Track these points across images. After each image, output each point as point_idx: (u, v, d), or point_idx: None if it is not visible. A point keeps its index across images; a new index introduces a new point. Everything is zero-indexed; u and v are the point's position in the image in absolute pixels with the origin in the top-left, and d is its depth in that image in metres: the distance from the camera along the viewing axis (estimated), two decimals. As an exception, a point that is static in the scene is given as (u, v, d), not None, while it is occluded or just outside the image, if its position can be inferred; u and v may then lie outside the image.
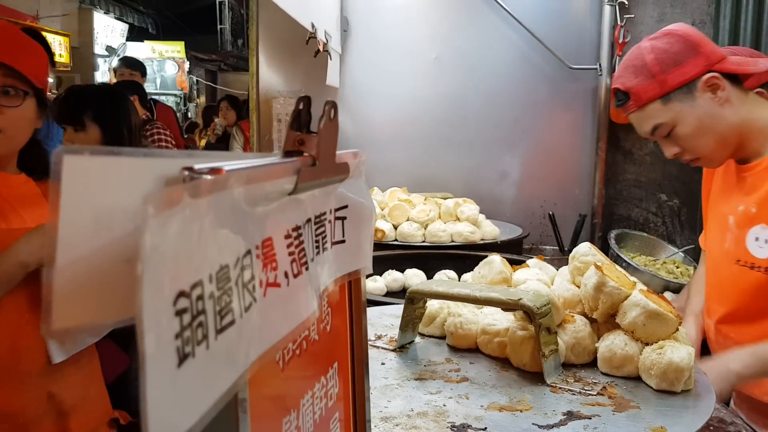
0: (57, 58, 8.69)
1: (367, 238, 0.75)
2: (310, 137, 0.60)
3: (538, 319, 1.17)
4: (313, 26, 2.31)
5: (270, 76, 3.39)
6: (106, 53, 10.40)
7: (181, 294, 0.37)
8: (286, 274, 0.54)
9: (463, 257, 2.37)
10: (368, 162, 0.75)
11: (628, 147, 3.24)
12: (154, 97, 5.17)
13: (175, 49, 12.26)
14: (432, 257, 2.39)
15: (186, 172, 0.42)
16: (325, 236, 0.66)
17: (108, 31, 10.66)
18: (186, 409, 0.37)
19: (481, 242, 2.50)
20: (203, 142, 7.13)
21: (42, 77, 1.44)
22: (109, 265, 0.42)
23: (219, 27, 12.08)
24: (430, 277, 2.25)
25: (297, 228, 0.57)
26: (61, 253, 0.39)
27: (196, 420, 0.38)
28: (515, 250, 2.63)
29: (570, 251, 2.74)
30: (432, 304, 1.41)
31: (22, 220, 1.44)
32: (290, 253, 0.56)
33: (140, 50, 11.69)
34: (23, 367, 1.42)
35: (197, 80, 13.96)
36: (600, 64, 3.05)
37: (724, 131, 1.62)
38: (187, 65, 12.69)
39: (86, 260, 0.41)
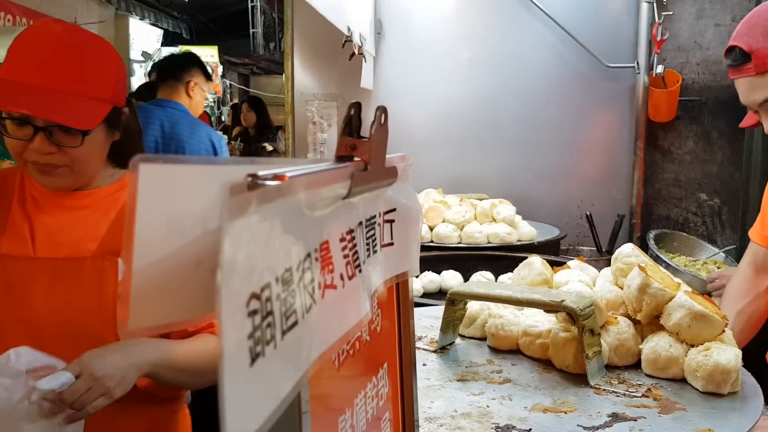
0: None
1: (414, 240, 0.76)
2: (362, 142, 0.61)
3: (582, 320, 1.16)
4: (349, 29, 2.33)
5: (305, 79, 3.43)
6: (142, 58, 10.59)
7: (254, 296, 0.39)
8: (341, 276, 0.56)
9: (499, 258, 2.37)
10: (405, 164, 0.76)
11: (667, 146, 3.20)
12: None
13: (209, 53, 12.40)
14: (468, 258, 2.39)
15: (250, 179, 0.44)
16: (375, 239, 0.67)
17: (143, 36, 10.85)
18: (258, 406, 0.39)
19: (518, 243, 2.49)
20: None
21: (108, 94, 1.23)
22: (180, 268, 0.44)
23: (251, 31, 12.20)
24: (466, 278, 2.25)
25: (351, 231, 0.59)
26: (137, 257, 0.41)
27: (267, 416, 0.40)
28: (552, 251, 2.62)
29: (608, 252, 2.74)
30: (472, 306, 1.41)
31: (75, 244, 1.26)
32: (345, 256, 0.57)
33: (175, 55, 11.85)
34: None
35: (230, 84, 14.12)
36: (637, 62, 3.01)
37: None
38: (220, 69, 12.84)
39: (159, 263, 0.43)
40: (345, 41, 2.36)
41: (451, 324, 1.36)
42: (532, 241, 2.52)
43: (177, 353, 1.19)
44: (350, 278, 0.57)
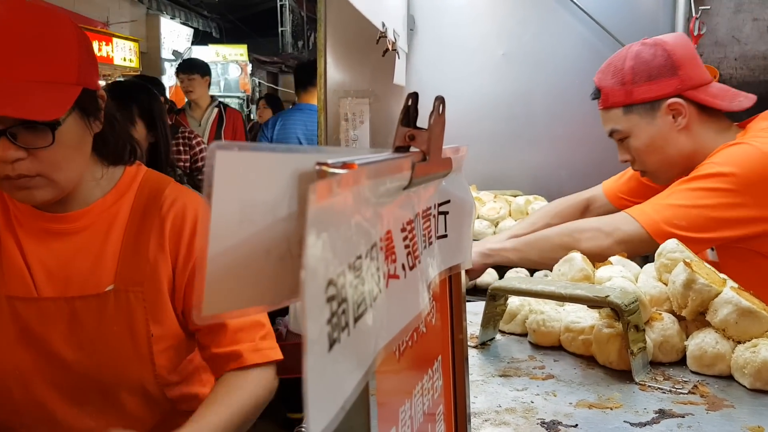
0: (127, 63, 9.01)
1: (467, 232, 0.76)
2: (421, 132, 0.61)
3: (627, 316, 1.15)
4: (383, 25, 2.33)
5: (336, 76, 3.44)
6: (173, 57, 10.72)
7: (331, 282, 0.39)
8: (403, 267, 0.56)
9: (534, 255, 2.34)
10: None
11: (704, 142, 3.14)
12: (222, 100, 5.08)
13: (239, 52, 12.52)
14: (503, 255, 2.37)
15: (319, 167, 0.44)
16: (431, 231, 0.67)
17: (174, 35, 10.99)
18: (335, 392, 0.39)
19: (553, 240, 2.46)
20: None
21: (71, 75, 0.99)
22: (251, 255, 0.44)
23: (280, 29, 12.29)
24: (501, 275, 2.23)
25: (410, 222, 0.59)
26: (212, 244, 0.42)
27: (343, 403, 0.40)
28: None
29: (643, 249, 2.69)
30: (513, 302, 1.41)
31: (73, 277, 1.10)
32: (406, 246, 0.57)
33: (205, 54, 12.00)
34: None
35: (259, 82, 14.22)
36: (674, 57, 2.96)
37: (674, 155, 1.65)
38: (249, 68, 12.94)
39: (231, 251, 0.43)
40: (379, 37, 2.36)
41: (491, 319, 1.35)
42: (567, 238, 2.49)
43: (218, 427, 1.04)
44: (411, 269, 0.57)
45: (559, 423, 1.01)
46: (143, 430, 1.15)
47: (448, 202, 0.71)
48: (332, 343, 0.39)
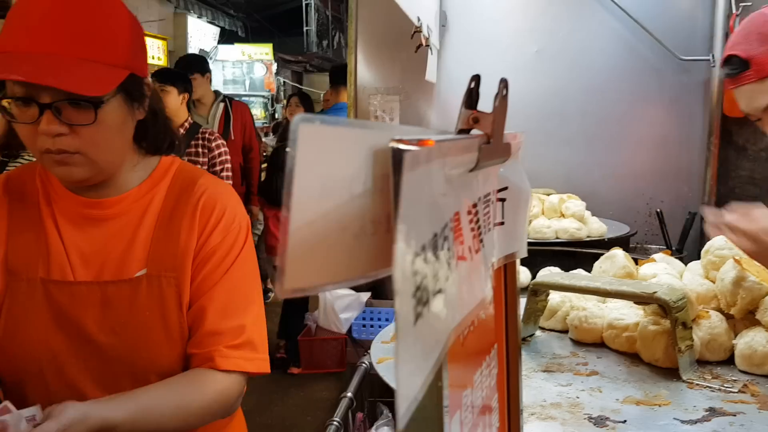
0: (156, 61, 9.10)
1: (523, 221, 0.75)
2: (485, 115, 0.60)
3: (675, 313, 1.13)
4: (419, 20, 2.32)
5: (366, 73, 3.44)
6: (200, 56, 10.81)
7: (416, 255, 0.38)
8: (469, 249, 0.55)
9: (568, 254, 2.31)
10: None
11: (742, 142, 3.08)
12: (229, 95, 4.72)
13: (264, 50, 12.58)
14: (536, 254, 2.33)
15: (395, 144, 0.43)
16: (490, 217, 0.66)
17: (201, 34, 11.07)
18: (420, 366, 0.38)
19: (588, 239, 2.43)
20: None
21: (120, 58, 1.01)
22: (328, 231, 0.44)
23: (305, 29, 12.32)
24: (533, 273, 2.21)
25: (475, 205, 0.58)
26: (294, 216, 0.41)
27: (426, 375, 0.39)
28: (621, 248, 2.55)
29: (678, 251, 2.65)
30: (553, 298, 1.39)
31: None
32: (471, 229, 0.56)
33: (231, 53, 12.08)
34: None
35: (284, 81, 14.28)
36: (713, 55, 2.91)
37: None
38: (274, 67, 13.00)
39: (311, 225, 0.42)
40: (414, 32, 2.35)
41: (532, 315, 1.34)
42: (602, 237, 2.46)
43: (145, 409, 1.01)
44: (476, 252, 0.56)
45: (607, 418, 1.00)
46: None
47: (506, 188, 0.70)
48: (417, 316, 0.38)
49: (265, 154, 5.75)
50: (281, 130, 5.99)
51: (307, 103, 5.47)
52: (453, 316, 0.48)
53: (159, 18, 9.94)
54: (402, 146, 0.43)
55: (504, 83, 0.62)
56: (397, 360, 0.34)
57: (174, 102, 3.34)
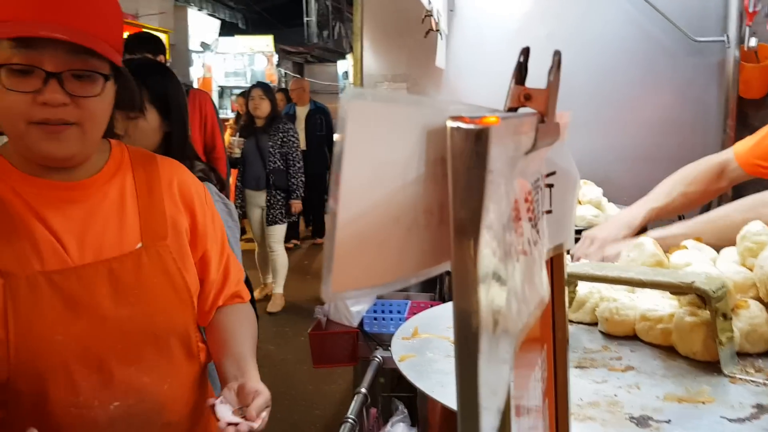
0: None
1: (571, 209, 0.69)
2: (539, 91, 0.54)
3: (714, 303, 1.07)
4: (429, 3, 2.25)
5: (373, 61, 3.37)
6: (201, 49, 10.71)
7: (493, 253, 0.32)
8: (529, 242, 0.49)
9: (585, 241, 2.25)
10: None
11: (758, 124, 2.99)
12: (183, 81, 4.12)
13: (265, 42, 12.48)
14: (552, 242, 2.28)
15: (454, 122, 0.37)
16: (539, 204, 0.60)
17: (201, 27, 10.97)
18: (502, 375, 0.33)
19: (604, 226, 2.36)
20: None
21: (119, 44, 1.09)
22: (380, 223, 0.38)
23: (305, 19, 12.24)
24: (551, 262, 2.15)
25: (530, 192, 0.52)
26: (342, 209, 0.35)
27: (506, 385, 0.33)
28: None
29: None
30: (581, 289, 1.33)
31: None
32: (529, 219, 0.50)
33: (232, 45, 11.98)
34: None
35: (285, 73, 14.18)
36: (727, 36, 2.83)
37: None
38: (275, 58, 12.91)
39: (362, 218, 0.36)
40: (425, 16, 2.28)
41: (560, 307, 1.28)
42: (619, 224, 2.40)
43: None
44: (534, 245, 0.50)
45: (650, 418, 0.94)
46: (189, 381, 1.20)
47: (554, 173, 0.64)
48: (495, 323, 0.32)
49: (230, 153, 4.98)
50: (242, 125, 5.54)
51: (270, 95, 5.10)
52: (521, 318, 0.42)
53: (159, 11, 9.85)
54: (462, 125, 0.37)
55: (558, 55, 0.56)
56: (480, 373, 0.29)
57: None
